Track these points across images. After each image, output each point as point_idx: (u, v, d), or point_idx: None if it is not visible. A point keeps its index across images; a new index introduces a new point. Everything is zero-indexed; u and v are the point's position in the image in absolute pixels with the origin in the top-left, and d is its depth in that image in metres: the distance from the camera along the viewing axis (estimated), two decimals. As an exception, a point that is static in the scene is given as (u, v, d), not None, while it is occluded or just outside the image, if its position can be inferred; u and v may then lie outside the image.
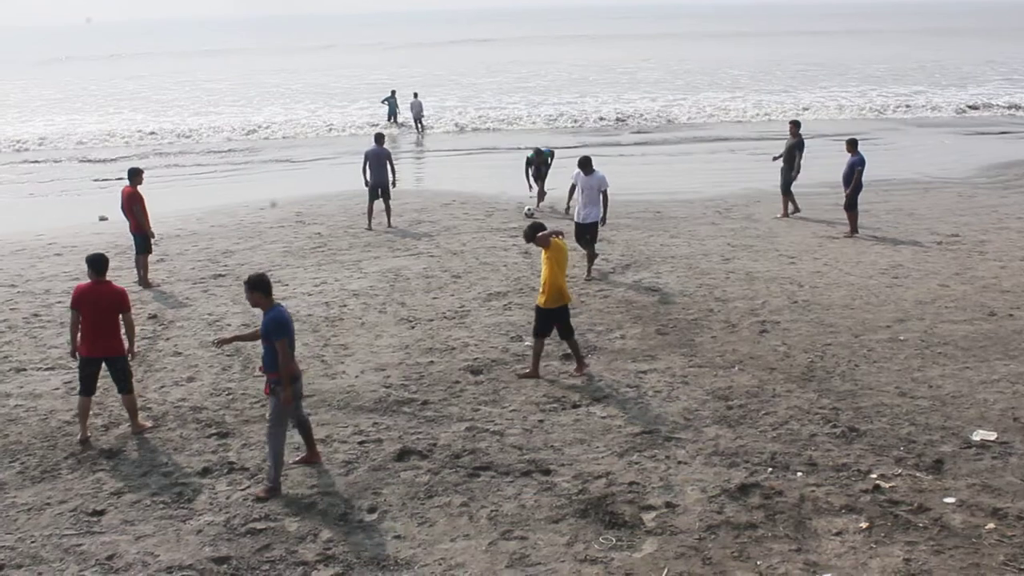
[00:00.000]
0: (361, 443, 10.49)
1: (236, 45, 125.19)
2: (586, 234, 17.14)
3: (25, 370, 13.04)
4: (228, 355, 13.32)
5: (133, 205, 16.79)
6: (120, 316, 10.61)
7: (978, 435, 10.35)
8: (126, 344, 10.84)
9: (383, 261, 18.46)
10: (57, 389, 12.26)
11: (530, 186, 23.79)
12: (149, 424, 11.07)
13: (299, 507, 9.14)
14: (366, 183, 21.57)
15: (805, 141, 22.26)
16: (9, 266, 18.81)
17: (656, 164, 32.66)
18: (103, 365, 10.70)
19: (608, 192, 17.09)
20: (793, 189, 22.28)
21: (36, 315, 15.63)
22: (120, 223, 22.75)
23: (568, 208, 20.24)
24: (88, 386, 10.69)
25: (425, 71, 73.95)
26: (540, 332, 12.36)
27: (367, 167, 21.52)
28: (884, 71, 68.06)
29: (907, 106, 48.32)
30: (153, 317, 15.27)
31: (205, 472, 9.91)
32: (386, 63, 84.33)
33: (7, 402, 11.89)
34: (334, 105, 52.59)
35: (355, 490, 9.45)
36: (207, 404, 11.69)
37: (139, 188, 16.90)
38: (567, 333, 12.45)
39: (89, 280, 10.65)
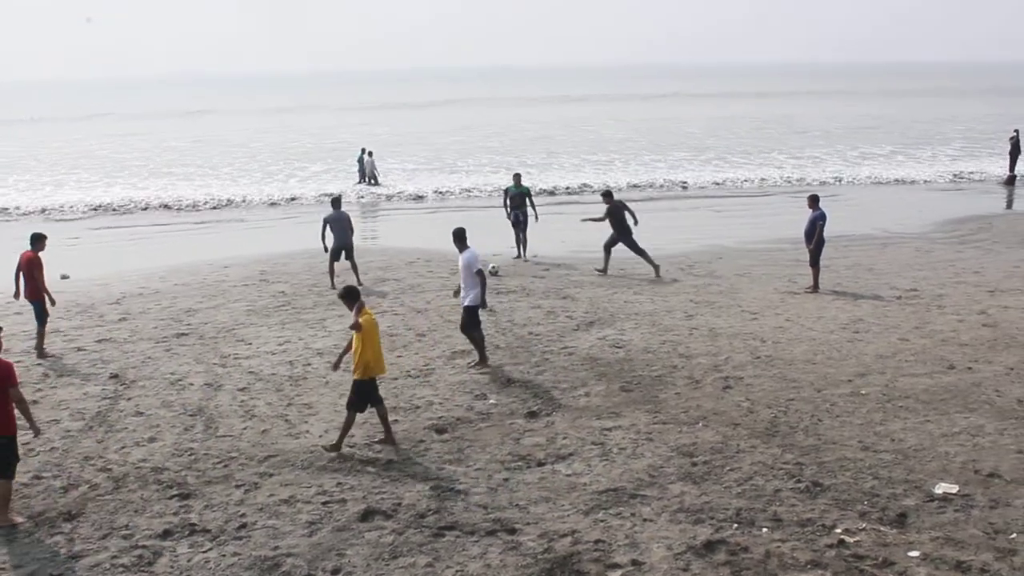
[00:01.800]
0: (325, 503, 10.40)
1: (220, 104, 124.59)
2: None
3: (-18, 432, 12.84)
4: (191, 415, 13.21)
5: (33, 270, 16.30)
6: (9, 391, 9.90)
7: (940, 488, 10.44)
8: (19, 420, 10.09)
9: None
10: (15, 451, 12.08)
11: (517, 238, 24.92)
12: (19, 519, 10.09)
13: (262, 569, 9.03)
14: (325, 249, 21.74)
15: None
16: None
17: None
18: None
19: (485, 272, 15.28)
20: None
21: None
22: (81, 281, 22.73)
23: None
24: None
25: (391, 130, 74.18)
26: (353, 405, 11.96)
27: (326, 231, 21.70)
28: (846, 129, 69.19)
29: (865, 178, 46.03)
30: (115, 376, 15.11)
31: (166, 534, 9.78)
32: (355, 122, 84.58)
33: (-37, 465, 11.69)
34: (296, 168, 51.24)
35: (319, 551, 9.35)
36: (169, 465, 11.55)
37: (40, 254, 16.46)
38: (376, 401, 12.07)
39: None
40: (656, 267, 22.40)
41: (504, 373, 14.88)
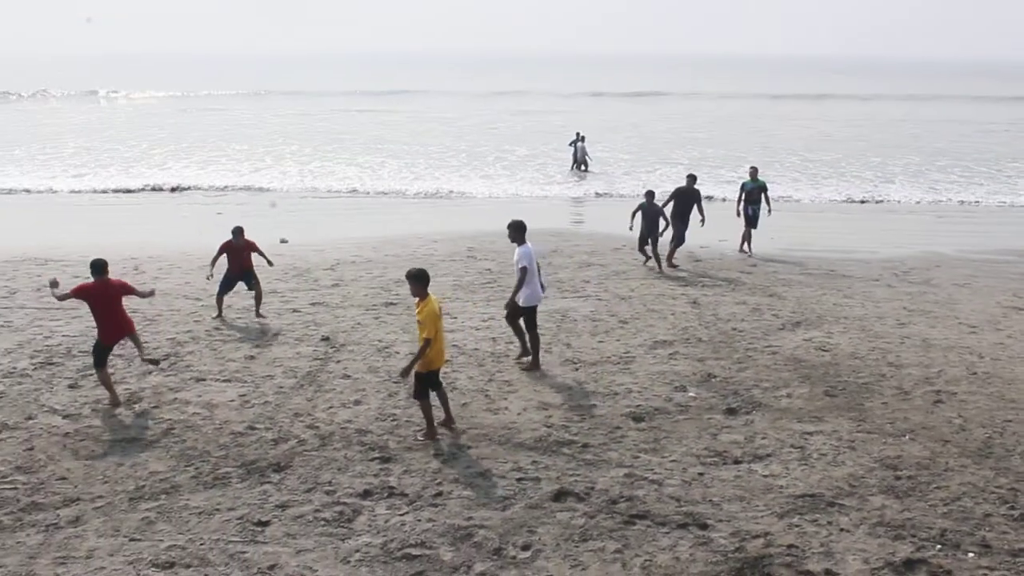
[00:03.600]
0: (519, 480, 10.56)
1: (414, 84, 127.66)
2: (519, 316, 14.49)
3: (204, 380, 13.70)
4: (395, 382, 13.64)
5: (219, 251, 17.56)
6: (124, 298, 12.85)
7: None
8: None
9: (551, 302, 18.52)
10: (232, 401, 12.81)
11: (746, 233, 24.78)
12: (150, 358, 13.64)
13: (455, 537, 9.26)
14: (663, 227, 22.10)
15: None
16: (197, 280, 19.78)
17: (832, 220, 31.99)
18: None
19: (538, 265, 14.51)
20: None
21: (218, 328, 16.41)
22: (299, 246, 23.91)
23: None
24: (101, 360, 12.82)
25: (590, 117, 73.96)
26: (420, 395, 11.64)
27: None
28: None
29: None
30: (326, 339, 15.79)
31: (366, 494, 10.16)
32: (545, 108, 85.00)
33: (186, 409, 12.50)
34: (504, 151, 50.61)
35: (511, 526, 9.51)
36: (372, 428, 11.99)
37: (229, 241, 17.55)
38: (436, 385, 11.74)
39: (93, 280, 12.53)
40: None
41: (705, 367, 14.69)
